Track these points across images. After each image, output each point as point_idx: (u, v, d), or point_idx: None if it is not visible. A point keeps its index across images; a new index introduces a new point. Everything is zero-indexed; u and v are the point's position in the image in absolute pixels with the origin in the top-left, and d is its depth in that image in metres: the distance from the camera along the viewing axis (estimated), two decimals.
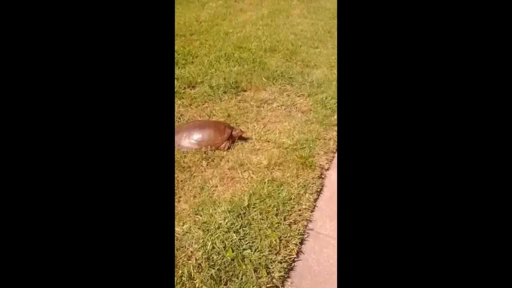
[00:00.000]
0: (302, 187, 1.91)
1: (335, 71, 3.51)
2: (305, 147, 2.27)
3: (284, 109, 2.78)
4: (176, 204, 1.73)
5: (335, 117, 2.61)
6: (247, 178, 1.96)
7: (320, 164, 2.13)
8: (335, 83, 3.21)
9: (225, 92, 2.83)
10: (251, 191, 1.84)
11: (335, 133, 2.42)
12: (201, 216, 1.66)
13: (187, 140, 2.11)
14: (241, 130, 2.26)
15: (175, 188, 1.82)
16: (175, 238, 1.53)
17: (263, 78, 3.17)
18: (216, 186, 1.87)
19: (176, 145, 2.12)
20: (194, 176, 1.92)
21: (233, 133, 2.20)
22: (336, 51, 4.27)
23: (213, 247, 1.49)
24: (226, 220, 1.63)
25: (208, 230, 1.57)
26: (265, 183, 1.91)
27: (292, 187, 1.91)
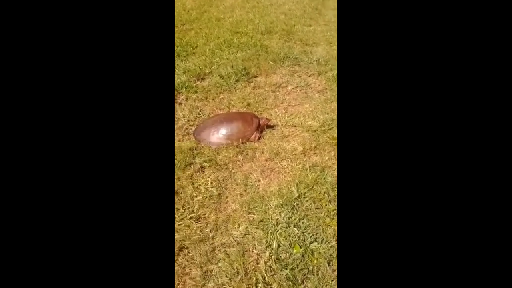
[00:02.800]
0: None
1: (335, 47, 3.43)
2: (333, 127, 2.18)
3: (300, 90, 2.68)
4: (224, 205, 1.62)
5: None
6: (287, 167, 1.86)
7: None
8: None
9: (237, 81, 2.70)
10: (296, 181, 1.74)
11: None
12: (254, 214, 1.56)
13: (216, 136, 1.99)
14: (266, 118, 2.16)
15: (219, 187, 1.70)
16: (235, 241, 1.43)
17: (270, 62, 3.04)
18: (259, 180, 1.77)
19: (206, 142, 1.99)
20: (234, 172, 1.81)
21: (260, 122, 2.08)
22: (329, 28, 4.17)
23: (279, 246, 1.40)
24: (283, 215, 1.53)
25: (267, 228, 1.48)
26: (306, 170, 1.82)
27: (334, 170, 1.82)
